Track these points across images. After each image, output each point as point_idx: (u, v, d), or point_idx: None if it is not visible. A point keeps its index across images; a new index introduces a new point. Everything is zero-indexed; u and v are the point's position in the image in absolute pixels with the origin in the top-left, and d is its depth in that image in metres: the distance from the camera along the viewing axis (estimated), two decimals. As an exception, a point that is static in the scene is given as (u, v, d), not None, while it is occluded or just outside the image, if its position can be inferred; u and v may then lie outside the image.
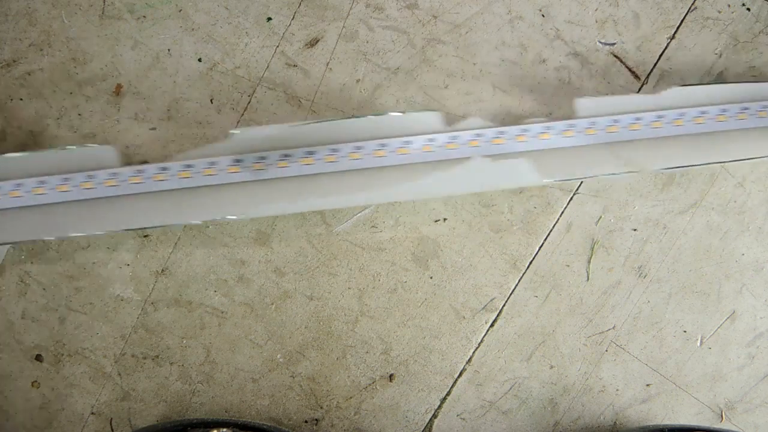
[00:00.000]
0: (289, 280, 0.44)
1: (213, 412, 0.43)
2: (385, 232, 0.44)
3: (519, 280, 0.44)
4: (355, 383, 0.44)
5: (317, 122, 0.40)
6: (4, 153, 0.39)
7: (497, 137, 0.41)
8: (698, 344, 0.45)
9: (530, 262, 0.44)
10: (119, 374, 0.43)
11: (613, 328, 0.45)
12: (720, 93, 0.43)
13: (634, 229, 0.45)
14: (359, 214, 0.44)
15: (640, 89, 0.45)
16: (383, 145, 0.40)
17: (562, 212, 0.45)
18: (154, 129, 0.44)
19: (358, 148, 0.40)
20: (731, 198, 0.45)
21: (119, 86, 0.43)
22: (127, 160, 0.42)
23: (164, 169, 0.40)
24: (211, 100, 0.44)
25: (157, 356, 0.43)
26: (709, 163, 0.42)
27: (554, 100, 0.45)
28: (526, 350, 0.45)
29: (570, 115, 0.42)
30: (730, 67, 0.45)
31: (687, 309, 0.45)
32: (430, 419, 0.44)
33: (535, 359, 0.45)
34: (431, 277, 0.44)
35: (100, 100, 0.43)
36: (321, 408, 0.44)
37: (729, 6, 0.46)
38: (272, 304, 0.44)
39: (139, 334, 0.43)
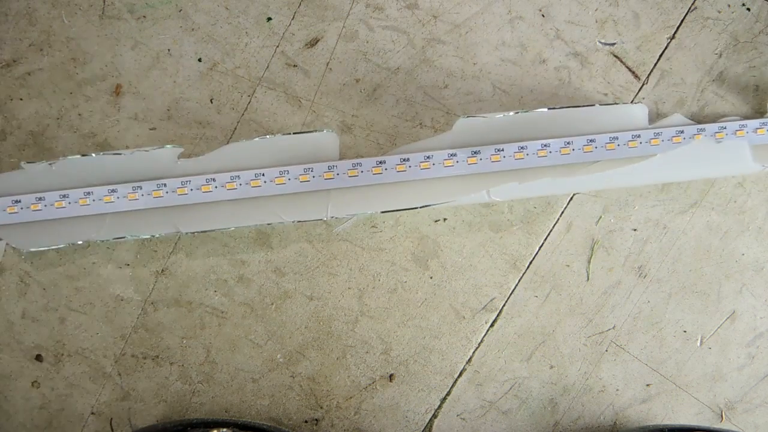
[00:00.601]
0: (289, 280, 0.44)
1: (213, 412, 0.43)
2: (385, 232, 0.44)
3: (519, 280, 0.44)
4: (355, 383, 0.44)
5: (525, 112, 0.42)
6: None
7: (697, 134, 0.43)
8: (698, 344, 0.45)
9: (530, 262, 0.44)
10: (119, 374, 0.43)
11: (613, 328, 0.45)
12: None
13: (634, 229, 0.45)
14: (359, 214, 0.44)
15: (640, 89, 0.45)
16: (591, 141, 0.43)
17: (562, 212, 0.45)
18: (154, 129, 0.44)
19: (567, 143, 0.42)
20: (731, 198, 0.45)
21: (119, 86, 0.43)
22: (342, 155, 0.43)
23: (381, 162, 0.41)
24: (211, 100, 0.44)
25: (157, 356, 0.43)
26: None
27: (554, 100, 0.45)
28: (526, 350, 0.45)
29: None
30: (730, 67, 0.45)
31: (687, 309, 0.45)
32: (430, 419, 0.44)
33: (535, 359, 0.45)
34: (431, 277, 0.44)
35: (100, 100, 0.43)
36: (321, 408, 0.44)
37: (729, 6, 0.46)
38: (272, 304, 0.44)
39: (139, 334, 0.43)
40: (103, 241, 0.41)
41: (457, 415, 0.44)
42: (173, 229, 0.40)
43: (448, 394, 0.44)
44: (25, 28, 0.43)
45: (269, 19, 0.44)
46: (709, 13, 0.46)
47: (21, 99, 0.43)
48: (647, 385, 0.45)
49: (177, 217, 0.41)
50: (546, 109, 0.42)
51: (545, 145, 0.42)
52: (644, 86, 0.45)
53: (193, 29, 0.44)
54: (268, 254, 0.43)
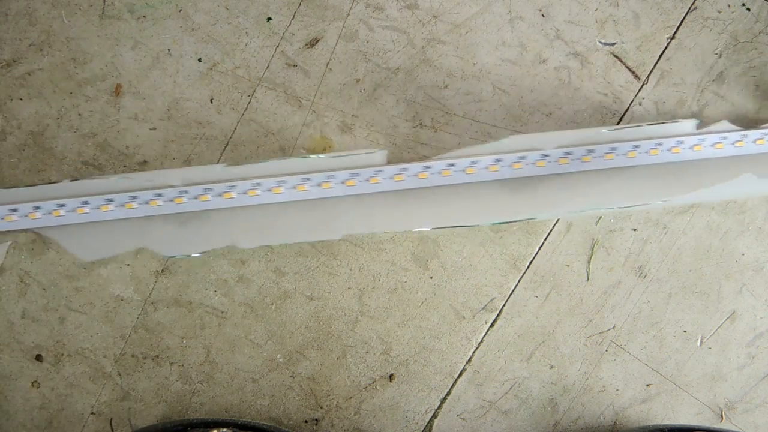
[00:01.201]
0: (289, 280, 0.44)
1: (213, 412, 0.43)
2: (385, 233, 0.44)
3: (519, 280, 0.44)
4: (355, 383, 0.44)
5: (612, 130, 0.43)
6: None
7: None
8: (698, 344, 0.45)
9: (530, 262, 0.44)
10: (119, 374, 0.43)
11: (613, 328, 0.45)
12: None
13: (634, 229, 0.45)
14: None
15: (640, 89, 0.45)
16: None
17: (562, 212, 0.45)
18: (154, 129, 0.44)
19: (636, 146, 0.43)
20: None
21: (119, 86, 0.43)
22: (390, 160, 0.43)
23: (427, 167, 0.42)
24: (211, 100, 0.44)
25: (157, 356, 0.43)
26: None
27: (554, 100, 0.45)
28: (526, 350, 0.45)
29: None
30: (730, 67, 0.45)
31: (687, 309, 0.45)
32: (430, 419, 0.44)
33: (535, 359, 0.45)
34: (431, 277, 0.44)
35: (100, 100, 0.43)
36: (321, 408, 0.44)
37: (729, 6, 0.46)
38: (272, 304, 0.44)
39: (139, 334, 0.43)
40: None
41: (457, 415, 0.44)
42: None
43: (448, 394, 0.44)
44: (25, 28, 0.43)
45: (269, 19, 0.44)
46: (709, 13, 0.46)
47: (21, 99, 0.43)
48: (647, 385, 0.45)
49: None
50: (606, 130, 0.42)
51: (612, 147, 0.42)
52: (644, 86, 0.45)
53: (193, 29, 0.44)
54: (268, 254, 0.43)
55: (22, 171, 0.43)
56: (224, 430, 0.40)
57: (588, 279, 0.45)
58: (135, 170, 0.43)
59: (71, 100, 0.43)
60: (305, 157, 0.41)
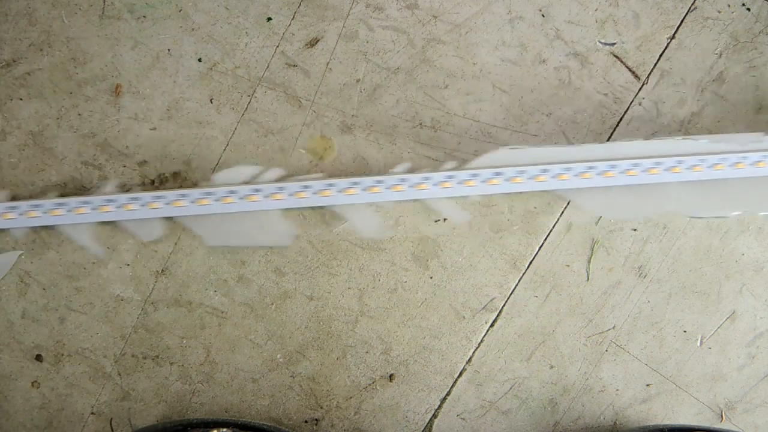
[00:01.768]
0: (289, 280, 0.44)
1: (213, 412, 0.43)
2: (386, 232, 0.44)
3: (519, 280, 0.44)
4: (355, 383, 0.44)
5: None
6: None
7: None
8: (698, 344, 0.45)
9: (530, 262, 0.44)
10: (119, 374, 0.43)
11: (613, 328, 0.45)
12: None
13: (634, 229, 0.45)
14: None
15: (640, 89, 0.45)
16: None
17: (562, 212, 0.45)
18: (154, 129, 0.44)
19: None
20: (731, 198, 0.45)
21: (119, 86, 0.43)
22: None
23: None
24: (211, 100, 0.44)
25: (157, 356, 0.43)
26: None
27: (554, 100, 0.45)
28: (526, 350, 0.45)
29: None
30: (730, 67, 0.45)
31: (687, 309, 0.45)
32: (430, 419, 0.44)
33: (535, 359, 0.45)
34: (431, 277, 0.44)
35: (100, 100, 0.43)
36: (321, 408, 0.44)
37: (729, 6, 0.46)
38: (272, 304, 0.44)
39: (139, 334, 0.43)
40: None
41: (457, 415, 0.44)
42: None
43: (448, 394, 0.44)
44: (25, 28, 0.43)
45: (269, 19, 0.44)
46: (709, 13, 0.46)
47: (21, 99, 0.43)
48: (647, 385, 0.45)
49: None
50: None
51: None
52: (644, 86, 0.45)
53: (193, 29, 0.44)
54: (268, 254, 0.43)
55: (22, 171, 0.43)
56: (224, 430, 0.40)
57: (588, 279, 0.45)
58: (135, 170, 0.43)
59: (71, 100, 0.43)
60: None
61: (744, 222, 0.45)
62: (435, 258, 0.44)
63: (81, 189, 0.43)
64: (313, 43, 0.44)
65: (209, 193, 0.41)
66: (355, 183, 0.42)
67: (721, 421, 0.45)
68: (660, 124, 0.45)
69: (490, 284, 0.44)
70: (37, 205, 0.41)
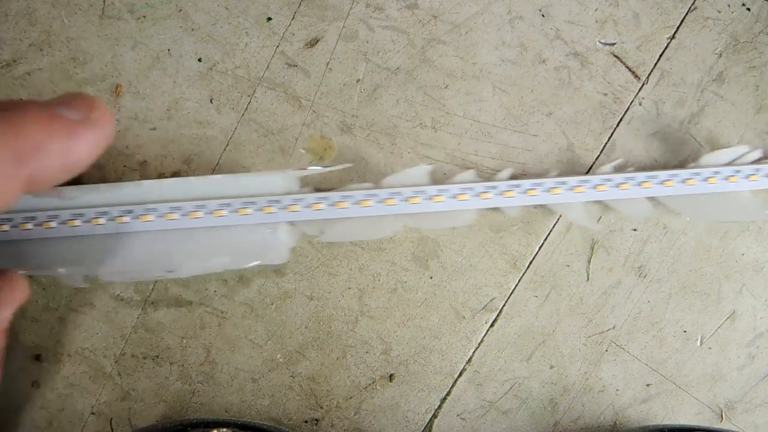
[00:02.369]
0: (289, 280, 0.44)
1: (213, 412, 0.43)
2: (385, 232, 0.44)
3: (519, 280, 0.44)
4: (355, 383, 0.44)
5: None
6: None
7: None
8: (698, 344, 0.45)
9: (530, 262, 0.44)
10: (119, 374, 0.43)
11: (613, 328, 0.45)
12: None
13: (634, 229, 0.45)
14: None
15: (640, 89, 0.45)
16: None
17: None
18: (154, 129, 0.44)
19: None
20: (731, 198, 0.45)
21: (119, 86, 0.43)
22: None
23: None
24: (211, 100, 0.44)
25: (157, 356, 0.43)
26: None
27: (554, 100, 0.45)
28: (526, 350, 0.45)
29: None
30: (730, 67, 0.45)
31: (687, 309, 0.45)
32: (430, 419, 0.44)
33: (535, 359, 0.45)
34: (431, 277, 0.44)
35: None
36: (321, 408, 0.44)
37: (729, 6, 0.46)
38: (272, 304, 0.44)
39: (139, 334, 0.43)
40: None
41: (457, 415, 0.44)
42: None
43: (448, 394, 0.44)
44: (25, 28, 0.43)
45: (269, 19, 0.44)
46: (709, 13, 0.46)
47: (21, 99, 0.43)
48: (647, 385, 0.45)
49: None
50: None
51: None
52: (644, 86, 0.45)
53: (193, 29, 0.44)
54: (268, 254, 0.43)
55: (22, 171, 0.43)
56: (224, 430, 0.40)
57: (588, 279, 0.45)
58: (135, 170, 0.43)
59: (71, 100, 0.43)
60: None
61: (744, 222, 0.45)
62: (435, 258, 0.44)
63: (81, 189, 0.43)
64: (313, 43, 0.44)
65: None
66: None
67: (721, 421, 0.45)
68: (660, 124, 0.45)
69: (490, 284, 0.44)
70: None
